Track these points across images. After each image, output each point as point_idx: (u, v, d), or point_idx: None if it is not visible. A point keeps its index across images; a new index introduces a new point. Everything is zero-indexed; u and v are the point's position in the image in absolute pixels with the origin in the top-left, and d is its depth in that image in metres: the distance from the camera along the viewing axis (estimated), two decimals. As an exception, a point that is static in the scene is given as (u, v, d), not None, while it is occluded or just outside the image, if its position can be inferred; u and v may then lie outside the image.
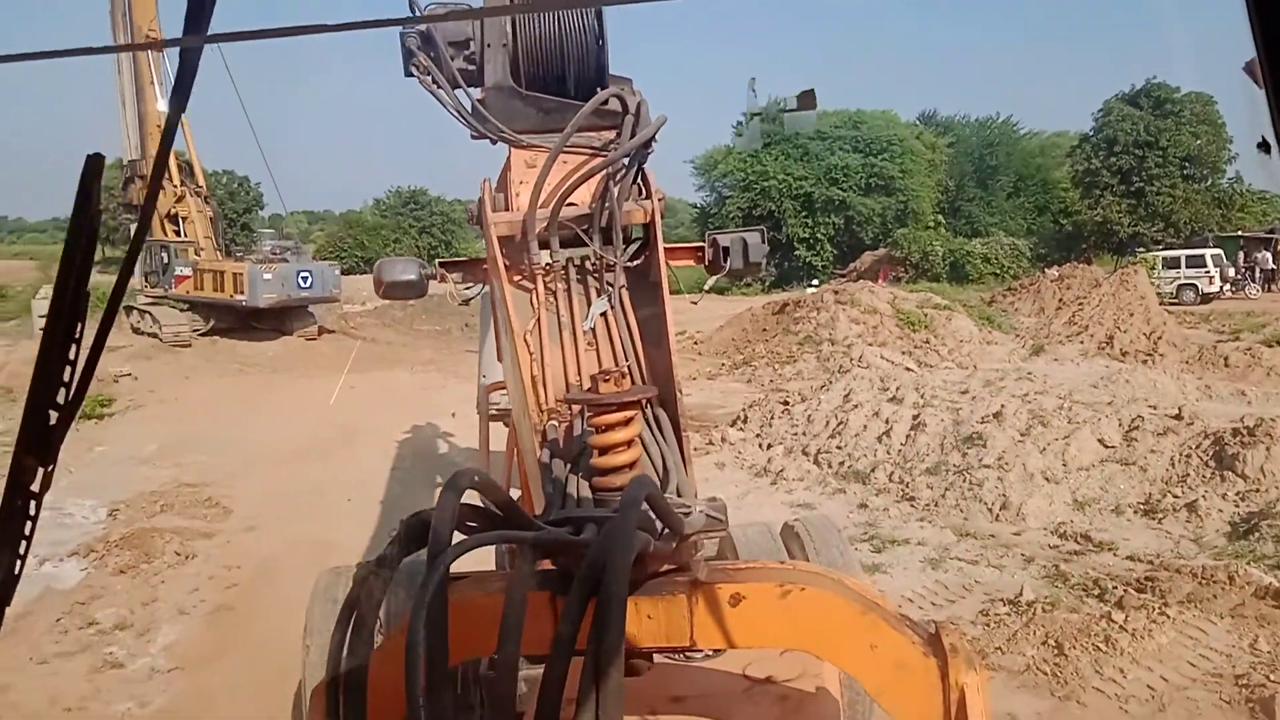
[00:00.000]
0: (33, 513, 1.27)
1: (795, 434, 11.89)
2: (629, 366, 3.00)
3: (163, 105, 26.91)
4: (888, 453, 10.52)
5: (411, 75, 3.40)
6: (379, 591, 1.55)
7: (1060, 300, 20.77)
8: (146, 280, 27.16)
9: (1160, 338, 17.02)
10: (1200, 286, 34.31)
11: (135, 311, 26.47)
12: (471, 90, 3.41)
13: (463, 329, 30.70)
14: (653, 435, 2.72)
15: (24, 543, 1.29)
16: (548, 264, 3.21)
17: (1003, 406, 10.59)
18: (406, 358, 25.12)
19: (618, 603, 1.42)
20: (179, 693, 6.02)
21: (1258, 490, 8.21)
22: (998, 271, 46.85)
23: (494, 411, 7.40)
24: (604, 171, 3.15)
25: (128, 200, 28.33)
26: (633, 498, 1.65)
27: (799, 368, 17.73)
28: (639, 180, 3.29)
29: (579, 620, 1.45)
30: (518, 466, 4.22)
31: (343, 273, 30.50)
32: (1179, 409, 10.11)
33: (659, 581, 1.99)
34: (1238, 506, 8.14)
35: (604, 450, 2.34)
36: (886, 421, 11.14)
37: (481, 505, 1.76)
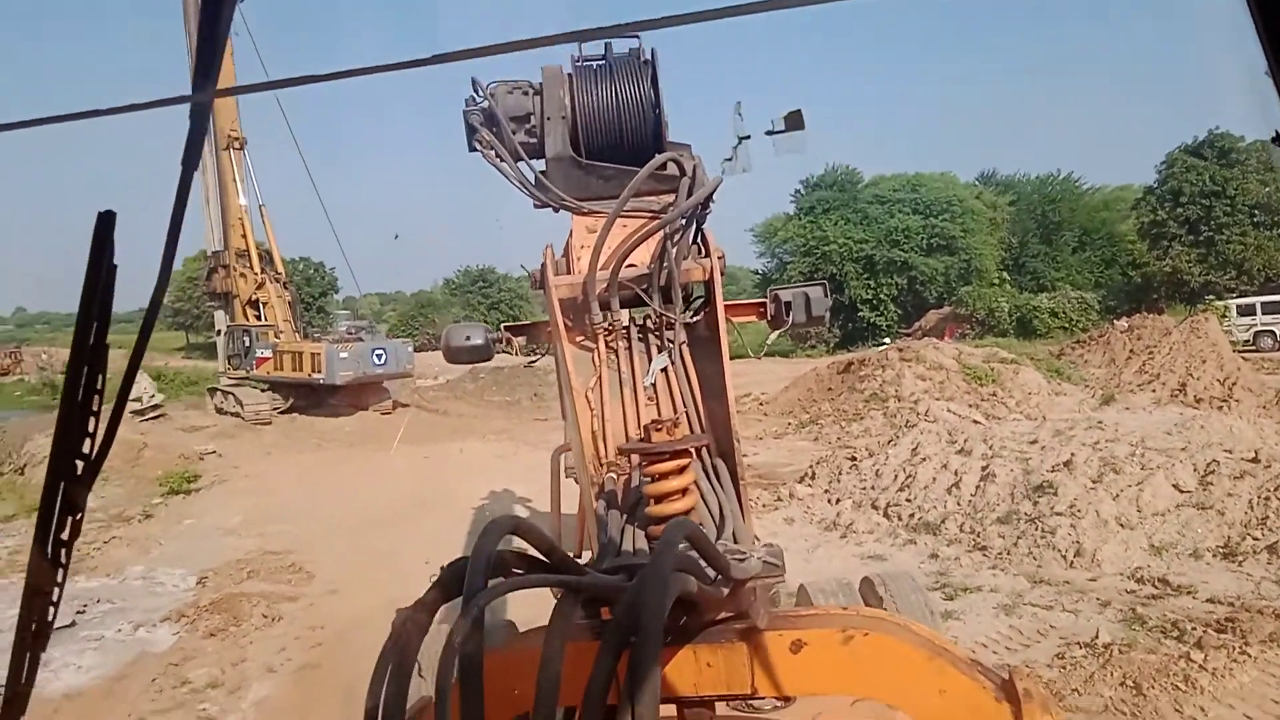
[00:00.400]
0: (64, 561, 1.29)
1: (864, 488, 11.89)
2: (685, 416, 3.09)
3: (244, 200, 28.55)
4: (958, 504, 10.48)
5: (475, 150, 3.53)
6: (417, 637, 1.54)
7: (1130, 350, 20.46)
8: (229, 363, 28.47)
9: (1235, 383, 16.67)
10: (1278, 332, 33.47)
11: (219, 393, 27.72)
12: (534, 162, 3.53)
13: (531, 399, 31.28)
14: (710, 485, 2.74)
15: (57, 589, 1.31)
16: (609, 324, 3.28)
17: (1073, 455, 10.50)
18: (478, 428, 25.65)
19: (652, 642, 1.38)
20: (270, 745, 6.28)
21: (1341, 530, 8.02)
22: (1066, 325, 46.24)
23: (566, 472, 7.51)
24: (662, 232, 3.22)
25: (212, 289, 29.86)
26: (670, 539, 1.63)
27: (866, 425, 17.70)
28: (698, 240, 3.38)
29: (614, 663, 1.43)
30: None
31: (415, 349, 31.45)
32: (1255, 452, 9.93)
33: (718, 629, 1.98)
34: (1321, 547, 7.95)
35: (659, 499, 2.35)
36: (955, 473, 11.11)
37: (526, 553, 1.75)
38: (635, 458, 2.84)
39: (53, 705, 7.25)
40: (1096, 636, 6.67)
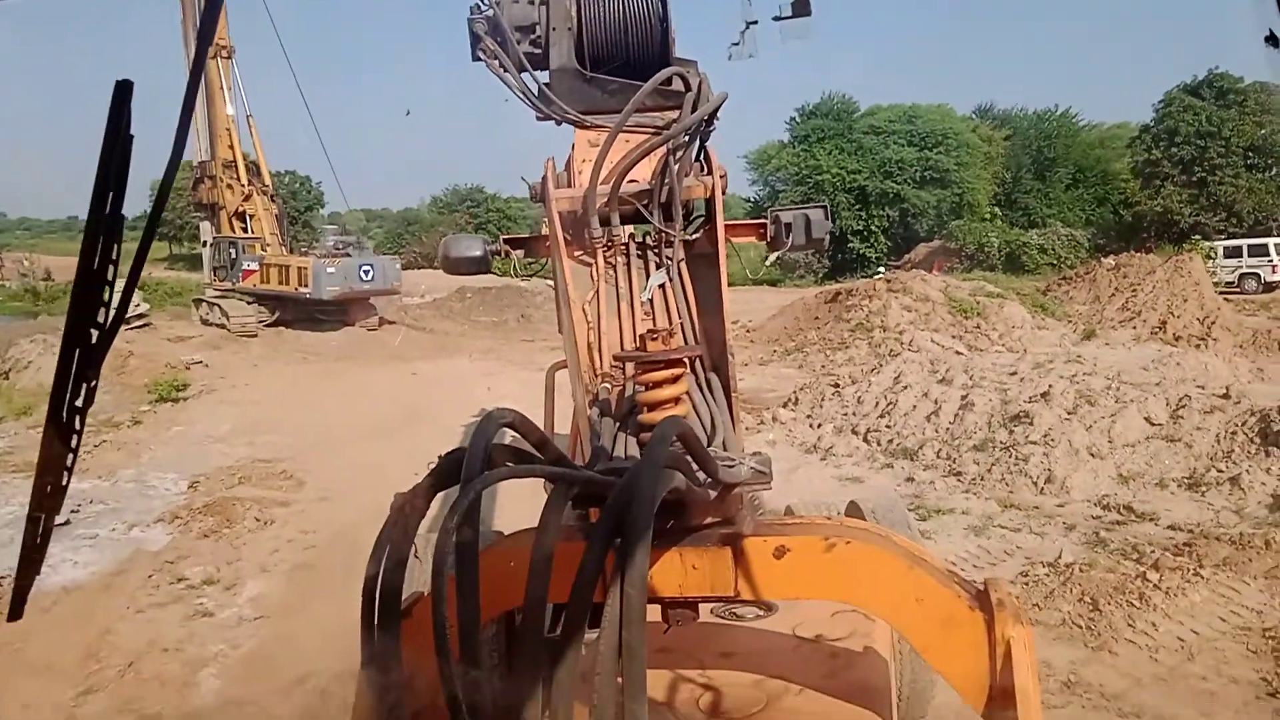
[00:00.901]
0: (78, 426, 1.31)
1: (845, 414, 12.15)
2: (679, 327, 3.06)
3: (231, 110, 28.14)
4: (936, 431, 10.74)
5: (479, 59, 3.45)
6: (413, 522, 1.57)
7: (1115, 288, 20.67)
8: (215, 274, 28.37)
9: (1214, 323, 16.94)
10: (1263, 275, 33.76)
11: (204, 304, 27.69)
12: (537, 73, 3.46)
13: (519, 320, 31.38)
14: (703, 396, 2.75)
15: (70, 455, 1.33)
16: (609, 239, 3.24)
17: (1050, 387, 10.74)
18: (465, 346, 25.81)
19: (642, 528, 1.40)
20: (267, 637, 6.54)
21: (1302, 464, 8.31)
22: (1054, 262, 46.39)
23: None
24: (664, 148, 3.13)
25: (197, 199, 29.64)
26: (663, 434, 1.64)
27: (850, 354, 17.91)
28: (701, 157, 3.32)
29: (605, 553, 1.44)
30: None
31: (402, 268, 31.37)
32: (1226, 388, 10.20)
33: (704, 533, 2.02)
34: (1281, 480, 8.25)
35: (651, 407, 2.39)
36: (935, 402, 11.35)
37: (521, 449, 1.77)
38: (630, 368, 2.86)
39: (52, 597, 7.47)
40: (1059, 557, 6.97)
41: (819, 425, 12.06)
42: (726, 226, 3.27)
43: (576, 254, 3.28)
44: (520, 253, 3.99)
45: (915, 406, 11.45)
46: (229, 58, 27.82)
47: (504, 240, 3.95)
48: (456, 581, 1.37)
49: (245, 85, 28.34)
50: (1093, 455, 9.30)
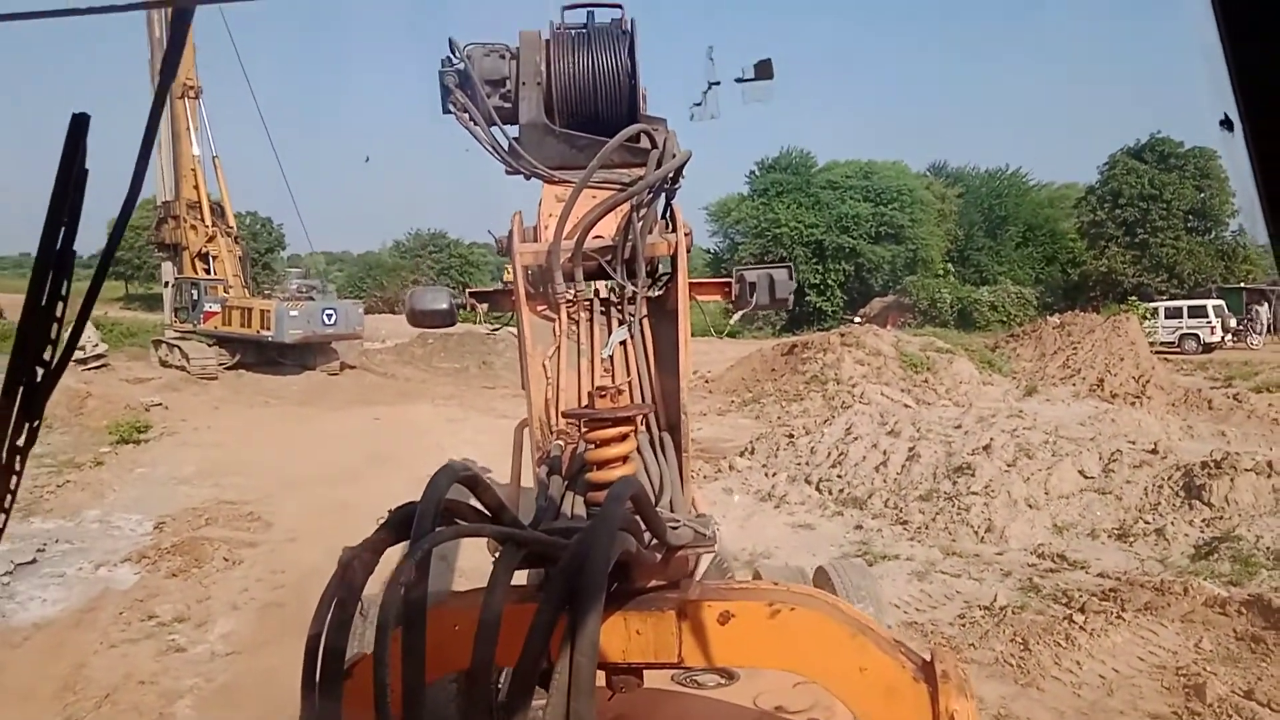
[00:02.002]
0: (18, 468, 1.25)
1: (799, 463, 12.62)
2: (629, 384, 3.09)
3: (197, 150, 28.27)
4: (884, 481, 11.25)
5: (449, 112, 3.46)
6: (361, 577, 1.54)
7: (1058, 346, 21.55)
8: (176, 315, 28.30)
9: (1149, 381, 17.78)
10: (1202, 336, 35.17)
11: (164, 345, 27.56)
12: (507, 128, 3.47)
13: (480, 366, 31.54)
14: (653, 454, 2.74)
15: (9, 497, 1.28)
16: (573, 295, 3.25)
17: (992, 440, 11.33)
18: (427, 393, 25.92)
19: (595, 593, 1.39)
20: (240, 671, 6.77)
21: (1221, 517, 8.93)
22: (1004, 319, 47.74)
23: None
24: (628, 204, 3.15)
25: (160, 239, 29.54)
26: (618, 493, 1.64)
27: (805, 405, 18.46)
28: (667, 215, 3.35)
29: (557, 610, 1.42)
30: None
31: (364, 311, 31.51)
32: (1155, 444, 10.84)
33: (648, 597, 1.99)
34: (1202, 531, 8.85)
35: (599, 465, 2.35)
36: (884, 453, 11.88)
37: (473, 506, 1.77)
38: (583, 427, 2.81)
39: (23, 634, 7.63)
40: (995, 600, 7.46)
41: (773, 474, 12.51)
42: (691, 284, 3.29)
43: (540, 309, 3.30)
44: (485, 307, 3.97)
45: (865, 457, 11.97)
46: (196, 98, 27.87)
47: (469, 294, 3.95)
48: (403, 641, 1.35)
49: (211, 126, 28.51)
50: (1030, 506, 9.85)
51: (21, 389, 1.21)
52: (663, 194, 3.26)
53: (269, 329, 26.10)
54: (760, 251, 54.89)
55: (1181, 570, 8.13)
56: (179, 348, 26.73)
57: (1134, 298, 41.13)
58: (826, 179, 58.73)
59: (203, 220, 28.12)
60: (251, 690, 6.32)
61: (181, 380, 25.17)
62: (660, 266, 3.43)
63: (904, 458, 11.55)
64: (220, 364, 26.70)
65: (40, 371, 1.21)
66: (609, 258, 3.23)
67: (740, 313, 3.87)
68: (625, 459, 2.38)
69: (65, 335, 1.22)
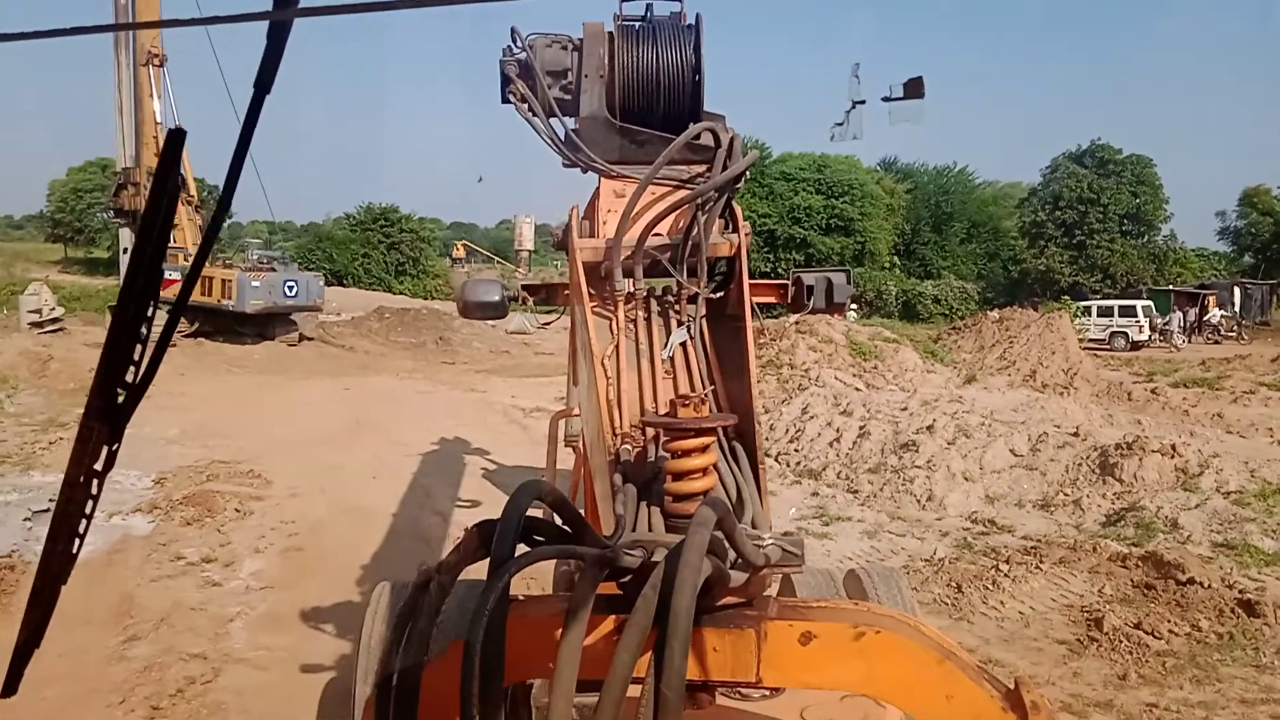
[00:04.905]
0: (95, 491, 1.24)
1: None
2: (708, 394, 2.90)
3: (160, 118, 28.14)
4: (837, 455, 12.40)
5: (509, 102, 3.44)
6: (437, 599, 1.53)
7: (996, 339, 22.97)
8: (135, 282, 28.36)
9: (1076, 374, 19.27)
10: (1131, 334, 37.26)
11: (121, 312, 27.64)
12: (566, 119, 3.46)
13: (437, 342, 32.08)
14: (728, 465, 2.65)
15: (84, 521, 1.26)
16: (630, 292, 3.19)
17: (934, 421, 12.52)
18: (389, 366, 26.47)
19: (683, 624, 1.40)
20: (277, 601, 7.60)
21: (1130, 491, 10.21)
22: (946, 312, 49.64)
23: (566, 440, 7.43)
24: (692, 203, 3.14)
25: (119, 205, 29.40)
26: (705, 519, 1.60)
27: (761, 388, 19.55)
28: (726, 214, 3.30)
29: (640, 642, 1.44)
30: (584, 491, 4.36)
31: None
32: (1077, 428, 12.13)
33: (727, 614, 1.91)
34: (1113, 503, 10.13)
35: (678, 476, 2.29)
36: (837, 430, 13.03)
37: (548, 520, 1.78)
38: (650, 431, 2.77)
39: (61, 570, 8.35)
40: (934, 554, 8.63)
41: (735, 448, 13.56)
42: (748, 285, 3.21)
43: (595, 306, 3.21)
44: (537, 298, 3.96)
45: (820, 434, 13.11)
46: (160, 65, 27.71)
47: (522, 287, 3.93)
48: (482, 665, 1.37)
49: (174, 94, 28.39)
50: (966, 479, 11.06)
51: (104, 411, 1.18)
52: (726, 194, 3.23)
53: (230, 298, 26.46)
54: (714, 239, 55.78)
55: (1093, 534, 9.37)
56: (137, 315, 26.91)
57: (1066, 297, 43.13)
58: (781, 170, 59.94)
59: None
60: (292, 617, 7.15)
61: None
62: (717, 266, 3.42)
63: (855, 435, 12.70)
64: (179, 332, 26.94)
65: (122, 394, 1.18)
66: (669, 256, 3.22)
67: (797, 315, 4.05)
68: (705, 470, 2.33)
69: (149, 355, 1.18)
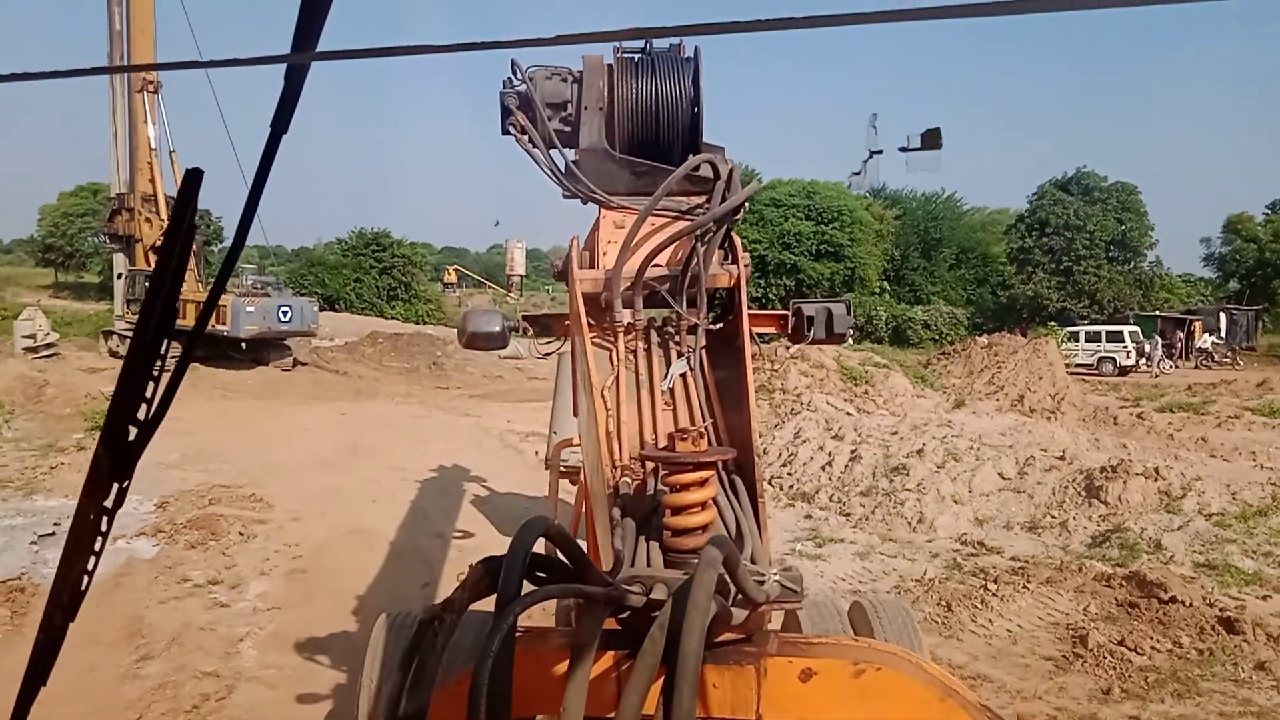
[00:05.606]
0: (104, 529, 1.23)
1: (751, 463, 13.93)
2: (707, 427, 2.89)
3: (154, 144, 28.32)
4: (829, 478, 12.64)
5: (509, 133, 3.46)
6: (443, 636, 1.52)
7: (985, 364, 23.33)
8: (128, 307, 28.42)
9: (1063, 399, 19.63)
10: (1118, 360, 37.74)
11: (115, 336, 27.78)
12: (566, 151, 3.48)
13: (430, 367, 32.25)
14: (728, 500, 2.64)
15: (93, 558, 1.25)
16: (630, 323, 3.20)
17: (924, 445, 12.78)
18: (383, 391, 26.60)
19: (692, 667, 1.40)
20: (285, 622, 7.77)
21: (1115, 513, 10.48)
22: (936, 337, 50.08)
23: (564, 468, 7.66)
24: (691, 234, 3.15)
25: (113, 231, 29.65)
26: (712, 558, 1.60)
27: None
28: (726, 245, 3.30)
29: (649, 683, 1.45)
30: (585, 521, 4.48)
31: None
32: (1064, 452, 12.40)
33: (727, 650, 1.91)
34: (1099, 525, 10.38)
35: (677, 510, 2.28)
36: (829, 454, 13.27)
37: (551, 556, 1.78)
38: (649, 465, 2.78)
39: (69, 593, 8.49)
40: (925, 575, 8.85)
41: (729, 472, 13.79)
42: (748, 316, 3.19)
43: (594, 337, 3.21)
44: (537, 329, 3.95)
45: (812, 458, 13.35)
46: (155, 92, 27.95)
47: (523, 318, 3.94)
48: (489, 704, 1.36)
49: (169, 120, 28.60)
50: (955, 502, 11.31)
51: (114, 449, 1.18)
52: (726, 225, 3.24)
53: (224, 323, 26.53)
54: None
55: (1079, 555, 9.61)
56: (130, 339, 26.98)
57: (1053, 323, 43.65)
58: (770, 196, 60.31)
59: (157, 213, 28.10)
60: (301, 636, 7.32)
61: (132, 372, 25.46)
62: (717, 297, 3.42)
63: (847, 459, 12.95)
64: (172, 357, 26.93)
65: (133, 431, 1.18)
66: (668, 287, 3.21)
67: (796, 346, 4.07)
68: (704, 505, 2.31)
69: (160, 393, 1.19)
